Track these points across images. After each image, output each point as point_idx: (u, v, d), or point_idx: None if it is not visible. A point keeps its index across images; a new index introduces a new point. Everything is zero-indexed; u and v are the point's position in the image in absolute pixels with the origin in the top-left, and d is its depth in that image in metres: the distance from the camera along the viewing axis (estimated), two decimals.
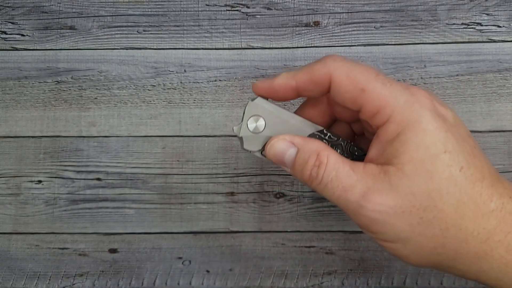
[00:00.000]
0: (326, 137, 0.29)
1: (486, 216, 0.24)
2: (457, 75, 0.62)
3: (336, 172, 0.26)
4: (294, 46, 0.62)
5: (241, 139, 0.31)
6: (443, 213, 0.24)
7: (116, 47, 0.63)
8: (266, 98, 0.30)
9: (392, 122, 0.26)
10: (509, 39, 0.62)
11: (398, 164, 0.25)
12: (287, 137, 0.29)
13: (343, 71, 0.27)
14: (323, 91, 0.28)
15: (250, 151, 0.31)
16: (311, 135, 0.29)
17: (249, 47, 0.63)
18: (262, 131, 0.30)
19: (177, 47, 0.63)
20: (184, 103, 0.62)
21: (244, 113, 0.31)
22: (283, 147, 0.28)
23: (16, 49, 0.64)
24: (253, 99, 0.30)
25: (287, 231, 0.60)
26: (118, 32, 0.63)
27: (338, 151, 0.30)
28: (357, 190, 0.26)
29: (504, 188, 0.25)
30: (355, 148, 0.30)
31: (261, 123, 0.29)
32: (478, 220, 0.24)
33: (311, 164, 0.27)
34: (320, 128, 0.29)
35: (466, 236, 0.24)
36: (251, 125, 0.30)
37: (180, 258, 0.60)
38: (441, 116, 0.26)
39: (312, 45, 0.62)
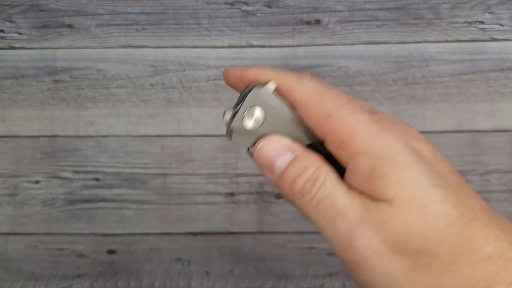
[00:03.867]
0: (324, 152, 0.26)
1: (483, 261, 0.22)
2: (459, 74, 0.61)
3: (333, 191, 0.24)
4: (295, 45, 0.62)
5: (231, 130, 0.26)
6: (438, 258, 0.22)
7: (114, 46, 0.63)
8: (272, 89, 0.26)
9: (362, 155, 0.23)
10: (511, 38, 0.62)
11: (388, 200, 0.23)
12: (286, 140, 0.26)
13: (313, 92, 0.25)
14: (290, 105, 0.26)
15: (236, 145, 0.27)
16: (310, 146, 0.26)
17: (249, 45, 0.62)
18: (259, 127, 0.26)
19: (176, 45, 0.63)
20: (183, 102, 0.62)
21: (242, 99, 0.26)
22: (278, 149, 0.26)
23: (14, 48, 0.63)
24: (259, 87, 0.25)
25: (287, 232, 0.60)
26: (117, 31, 0.63)
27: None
28: (350, 218, 0.23)
29: (501, 230, 0.23)
30: None
31: (260, 117, 0.26)
32: (476, 265, 0.22)
33: (307, 176, 0.25)
34: (321, 140, 0.25)
35: (463, 284, 0.22)
36: (248, 117, 0.25)
37: (179, 259, 0.60)
38: (417, 151, 0.24)
39: (313, 43, 0.62)
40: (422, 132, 0.26)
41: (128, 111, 0.62)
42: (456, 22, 0.62)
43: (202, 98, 0.62)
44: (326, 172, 0.24)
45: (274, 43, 0.62)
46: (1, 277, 0.60)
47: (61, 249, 0.60)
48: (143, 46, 0.63)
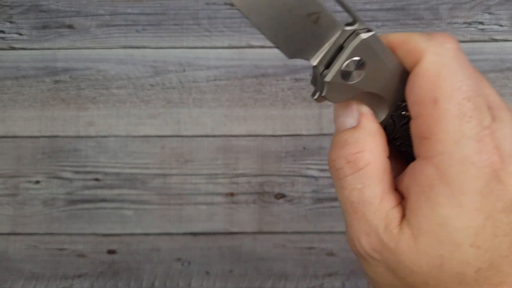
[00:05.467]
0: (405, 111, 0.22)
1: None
2: None
3: (363, 188, 0.21)
4: None
5: (323, 83, 0.21)
6: None
7: (114, 46, 0.63)
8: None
9: (434, 167, 0.20)
10: (511, 39, 0.62)
11: (415, 229, 0.20)
12: (365, 107, 0.22)
13: (439, 62, 0.20)
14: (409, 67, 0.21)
15: (322, 101, 0.22)
16: (397, 106, 0.22)
17: (249, 46, 0.62)
18: (357, 81, 0.21)
19: (176, 46, 0.63)
20: (183, 103, 0.62)
21: (342, 47, 0.20)
22: (351, 109, 0.22)
23: (14, 49, 0.63)
24: (362, 33, 0.20)
25: (287, 232, 0.60)
26: (117, 31, 0.63)
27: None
28: (364, 224, 0.21)
29: None
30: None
31: (361, 70, 0.21)
32: None
33: (346, 152, 0.22)
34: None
35: None
36: (348, 69, 0.20)
37: (179, 259, 0.60)
38: (497, 192, 0.20)
39: None
40: None
41: (128, 111, 0.62)
42: (455, 23, 0.62)
43: (202, 98, 0.62)
44: (367, 163, 0.21)
45: None
46: (2, 277, 0.60)
47: (61, 249, 0.61)
48: (143, 47, 0.63)
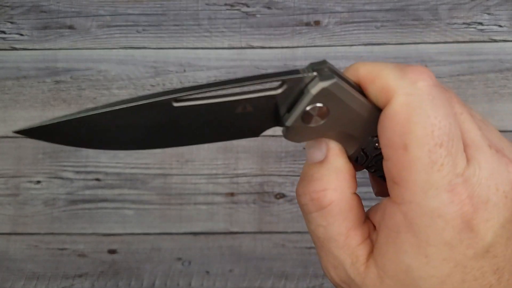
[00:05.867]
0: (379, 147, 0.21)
1: None
2: (458, 74, 0.61)
3: (327, 226, 0.21)
4: (294, 46, 0.62)
5: (287, 128, 0.20)
6: None
7: (115, 47, 0.63)
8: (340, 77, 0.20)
9: (402, 214, 0.19)
10: (510, 39, 0.62)
11: (381, 271, 0.20)
12: (332, 143, 0.22)
13: (410, 104, 0.19)
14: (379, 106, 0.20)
15: (292, 140, 0.22)
16: (369, 141, 0.22)
17: (249, 46, 0.62)
18: (320, 124, 0.20)
19: (177, 46, 0.63)
20: None
21: (301, 95, 0.20)
22: (322, 143, 0.22)
23: (15, 49, 0.64)
24: (324, 79, 0.19)
25: (287, 232, 0.60)
26: (117, 32, 0.63)
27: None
28: (331, 259, 0.21)
29: None
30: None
31: (324, 115, 0.20)
32: None
33: (311, 188, 0.21)
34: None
35: None
36: (310, 113, 0.20)
37: (179, 259, 0.60)
38: (467, 240, 0.19)
39: (313, 44, 0.62)
40: None
41: None
42: (455, 23, 0.62)
43: None
44: (330, 202, 0.21)
45: (273, 44, 0.62)
46: (3, 277, 0.60)
47: (62, 249, 0.61)
48: (144, 47, 0.63)
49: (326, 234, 0.21)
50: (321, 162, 0.22)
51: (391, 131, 0.19)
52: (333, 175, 0.21)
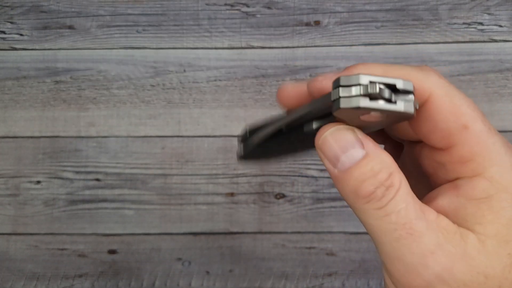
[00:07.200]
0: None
1: None
2: (458, 75, 0.61)
3: (407, 206, 0.21)
4: (294, 46, 0.62)
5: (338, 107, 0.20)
6: None
7: (115, 47, 0.63)
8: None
9: (487, 180, 0.21)
10: (510, 39, 0.62)
11: (481, 235, 0.21)
12: (357, 131, 0.22)
13: (447, 93, 0.21)
14: None
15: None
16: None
17: (249, 46, 0.62)
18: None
19: (177, 46, 0.63)
20: (184, 103, 0.62)
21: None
22: (347, 141, 0.22)
23: (15, 49, 0.64)
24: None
25: (287, 232, 0.60)
26: (117, 32, 0.63)
27: None
28: (426, 242, 0.20)
29: None
30: None
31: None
32: None
33: (380, 180, 0.21)
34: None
35: None
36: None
37: (179, 259, 0.60)
38: None
39: (313, 44, 0.62)
40: None
41: (128, 112, 0.62)
42: (455, 23, 0.62)
43: (202, 99, 0.62)
44: (400, 181, 0.21)
45: (273, 44, 0.62)
46: (3, 277, 0.60)
47: (62, 249, 0.61)
48: (144, 47, 0.63)
49: (408, 215, 0.21)
50: (365, 157, 0.22)
51: (446, 120, 0.21)
52: (385, 160, 0.22)
